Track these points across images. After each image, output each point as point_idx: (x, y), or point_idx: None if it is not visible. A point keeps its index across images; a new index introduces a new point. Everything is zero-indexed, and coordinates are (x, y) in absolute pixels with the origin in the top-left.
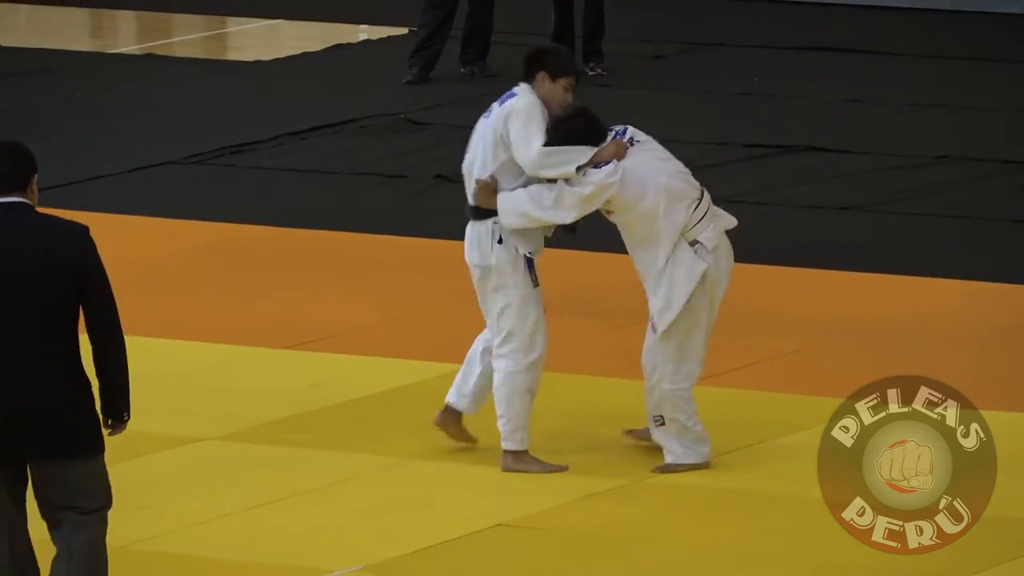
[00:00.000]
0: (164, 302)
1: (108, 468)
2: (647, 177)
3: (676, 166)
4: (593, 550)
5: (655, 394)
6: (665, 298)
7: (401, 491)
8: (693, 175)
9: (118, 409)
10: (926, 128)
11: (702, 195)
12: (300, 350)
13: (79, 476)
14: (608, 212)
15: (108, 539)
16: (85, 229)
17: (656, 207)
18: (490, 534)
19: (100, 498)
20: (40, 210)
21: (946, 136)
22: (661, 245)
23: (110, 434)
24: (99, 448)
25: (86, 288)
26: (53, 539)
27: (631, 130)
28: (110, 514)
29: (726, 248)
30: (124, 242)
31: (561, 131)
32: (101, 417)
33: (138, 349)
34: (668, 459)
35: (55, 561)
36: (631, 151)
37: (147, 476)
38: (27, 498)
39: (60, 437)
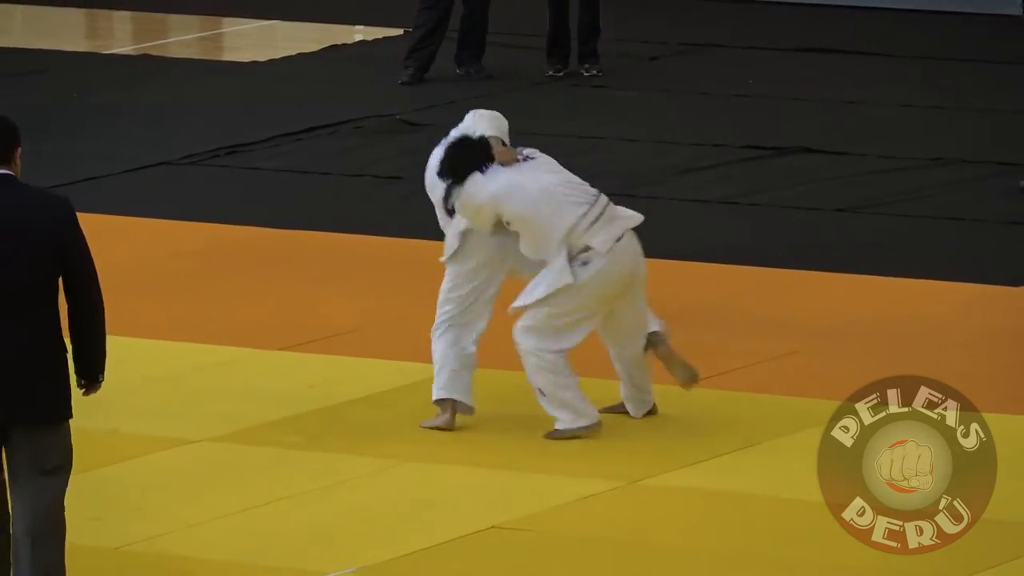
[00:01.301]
0: (158, 303)
1: (101, 470)
2: (534, 189)
3: (566, 177)
4: (588, 553)
5: (525, 364)
6: (532, 285)
7: (396, 493)
8: (692, 176)
9: (94, 371)
10: (922, 130)
11: (595, 201)
12: (295, 351)
13: (47, 441)
14: (507, 223)
15: (102, 540)
16: (65, 200)
17: (539, 215)
18: (485, 536)
19: (62, 460)
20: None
21: (942, 138)
22: (549, 249)
23: (84, 394)
24: (68, 415)
25: (66, 256)
26: (13, 499)
27: (528, 150)
28: (105, 515)
29: (625, 246)
30: (119, 243)
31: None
32: (75, 379)
33: (132, 351)
34: (558, 425)
35: (16, 520)
36: (521, 166)
37: (141, 478)
38: None
39: (35, 404)
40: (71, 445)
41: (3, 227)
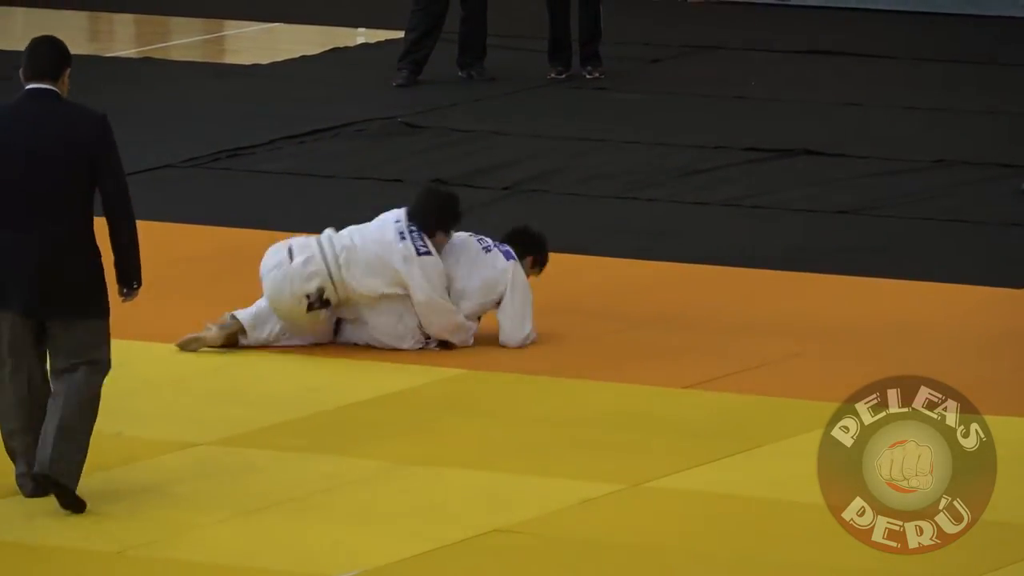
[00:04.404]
0: (161, 306)
1: (103, 473)
2: None
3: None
4: (590, 556)
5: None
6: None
7: (397, 496)
8: (693, 178)
9: (129, 277)
10: (924, 131)
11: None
12: (297, 354)
13: (81, 337)
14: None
15: (103, 543)
16: (102, 116)
17: None
18: (486, 540)
19: (96, 355)
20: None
21: (944, 140)
22: None
23: (123, 300)
24: (100, 313)
25: (99, 169)
26: (54, 386)
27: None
28: (107, 518)
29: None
30: None
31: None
32: (118, 286)
33: (134, 354)
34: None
35: (51, 399)
36: None
37: (143, 481)
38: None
39: (68, 300)
40: (105, 343)
41: (40, 136)
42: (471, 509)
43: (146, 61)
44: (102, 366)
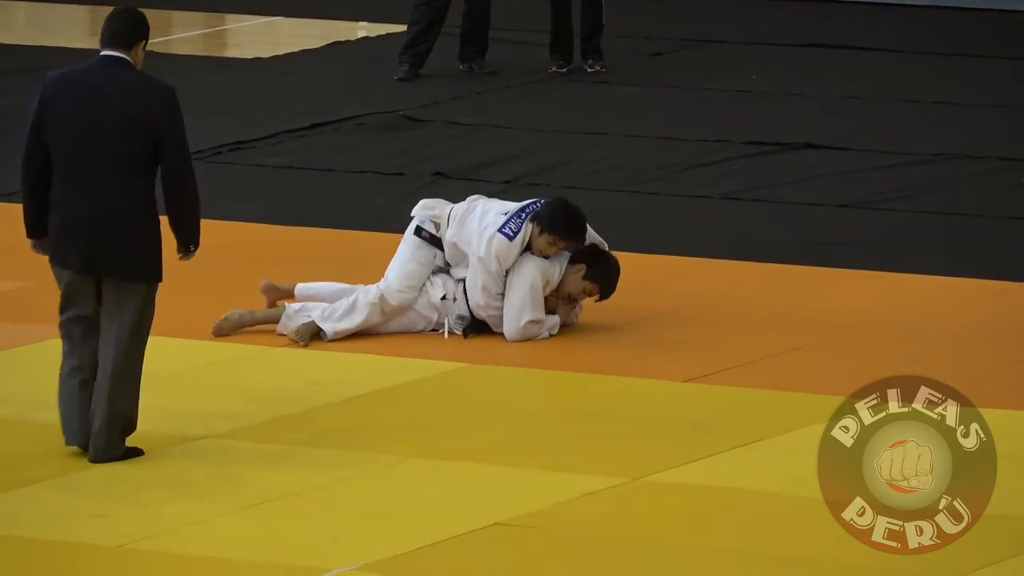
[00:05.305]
0: (162, 300)
1: (105, 467)
2: None
3: None
4: (591, 549)
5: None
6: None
7: (399, 489)
8: (695, 172)
9: (185, 241)
10: (924, 125)
11: None
12: (299, 348)
13: (128, 298)
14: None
15: (106, 538)
16: (169, 89)
17: None
18: (488, 533)
19: (140, 317)
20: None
21: (945, 133)
22: None
23: (181, 259)
24: (149, 277)
25: (159, 140)
26: (101, 347)
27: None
28: (109, 512)
29: None
30: None
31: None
32: (177, 249)
33: None
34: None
35: (100, 369)
36: None
37: (145, 475)
38: None
39: (120, 262)
40: (148, 307)
41: (105, 102)
42: (472, 503)
43: (147, 55)
44: (141, 329)
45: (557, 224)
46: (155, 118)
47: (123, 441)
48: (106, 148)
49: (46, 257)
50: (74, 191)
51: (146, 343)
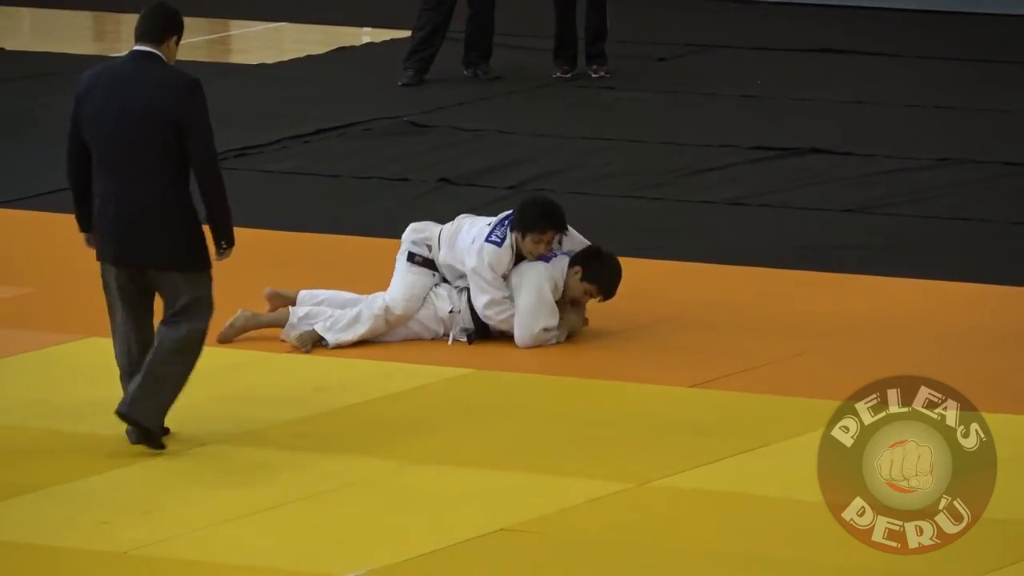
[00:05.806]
0: None
1: (109, 473)
2: None
3: None
4: (597, 554)
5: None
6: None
7: (404, 495)
8: (699, 177)
9: (218, 237)
10: (929, 130)
11: None
12: (302, 354)
13: (177, 286)
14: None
15: (111, 544)
16: (193, 81)
17: None
18: (493, 539)
19: (190, 302)
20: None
21: (950, 138)
22: None
23: (218, 258)
24: (192, 266)
25: (183, 132)
26: (158, 333)
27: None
28: (114, 519)
29: None
30: None
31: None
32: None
33: None
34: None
35: (151, 353)
36: None
37: (150, 480)
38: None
39: (161, 252)
40: (203, 293)
41: (132, 95)
42: (477, 508)
43: None
44: (191, 316)
45: (530, 221)
46: (178, 108)
47: (157, 415)
48: (135, 140)
49: (46, 263)
50: (110, 183)
51: (204, 331)
